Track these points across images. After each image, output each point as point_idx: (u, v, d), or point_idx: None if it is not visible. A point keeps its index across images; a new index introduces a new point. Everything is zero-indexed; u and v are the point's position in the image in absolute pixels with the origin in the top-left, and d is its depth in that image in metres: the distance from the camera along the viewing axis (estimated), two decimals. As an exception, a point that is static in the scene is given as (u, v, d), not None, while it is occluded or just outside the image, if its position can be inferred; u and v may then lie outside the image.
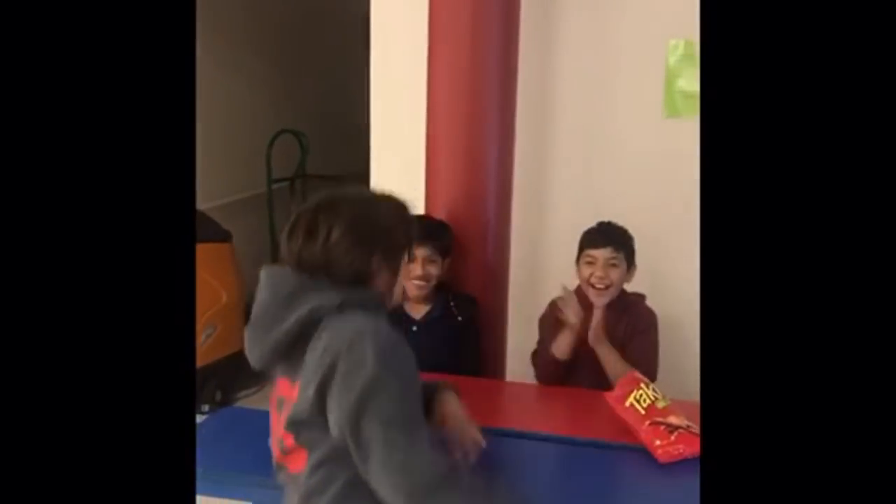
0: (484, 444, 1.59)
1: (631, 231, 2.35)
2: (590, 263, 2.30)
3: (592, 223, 2.38)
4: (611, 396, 1.95)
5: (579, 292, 2.34)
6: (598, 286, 2.28)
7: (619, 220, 2.38)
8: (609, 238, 2.30)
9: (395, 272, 1.47)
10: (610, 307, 2.31)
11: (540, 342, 2.40)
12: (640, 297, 2.40)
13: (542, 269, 2.82)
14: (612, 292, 2.30)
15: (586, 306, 2.29)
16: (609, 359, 2.22)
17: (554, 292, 2.37)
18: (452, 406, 1.63)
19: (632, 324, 2.32)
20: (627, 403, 1.89)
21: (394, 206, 1.50)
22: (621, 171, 2.86)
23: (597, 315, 2.25)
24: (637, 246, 2.35)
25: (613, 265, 2.28)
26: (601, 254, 2.28)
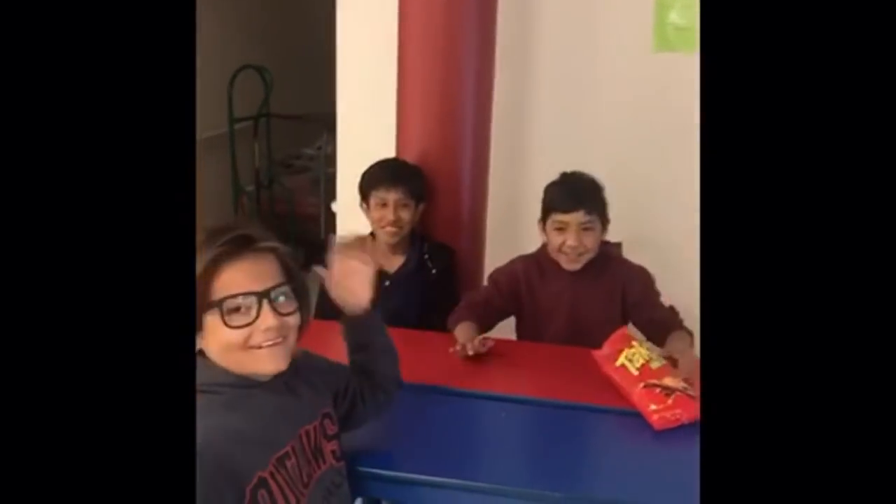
0: None
1: (619, 174, 2.13)
2: (560, 230, 2.05)
3: (569, 167, 2.14)
4: (599, 355, 1.82)
5: (544, 254, 2.17)
6: (572, 254, 2.07)
7: (607, 165, 2.15)
8: (579, 199, 2.02)
9: None
10: (583, 271, 2.11)
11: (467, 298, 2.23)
12: (615, 248, 2.23)
13: (521, 219, 2.66)
14: (587, 257, 2.09)
15: (555, 268, 2.14)
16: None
17: (534, 244, 2.22)
18: None
19: (619, 288, 2.15)
20: (618, 363, 1.76)
21: None
22: (607, 111, 2.69)
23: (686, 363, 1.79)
24: (626, 186, 2.14)
25: (587, 229, 2.04)
26: (572, 218, 2.02)
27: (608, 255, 2.17)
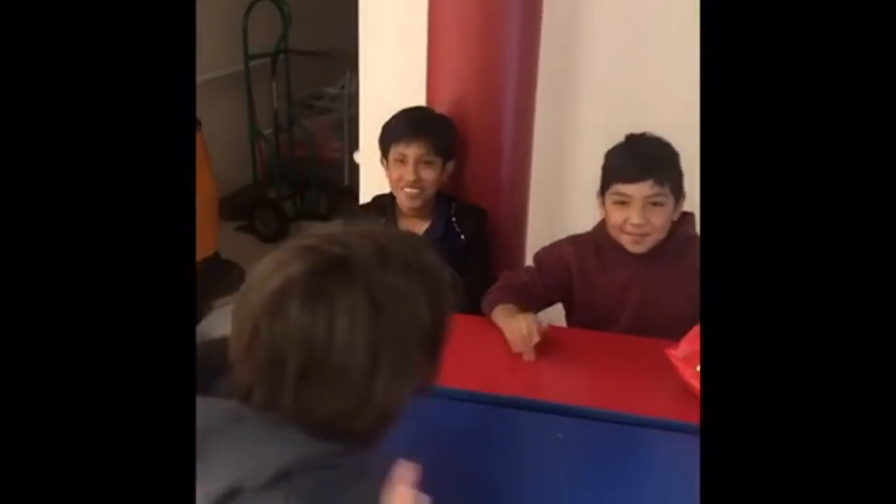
0: None
1: (678, 140, 1.74)
2: (622, 203, 1.71)
3: (629, 126, 1.78)
4: (675, 356, 1.50)
5: (603, 234, 1.82)
6: (636, 234, 1.73)
7: (665, 124, 1.74)
8: (648, 167, 1.67)
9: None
10: (657, 256, 1.77)
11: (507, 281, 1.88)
12: (689, 222, 1.84)
13: (567, 180, 2.31)
14: (656, 238, 1.74)
15: (618, 252, 1.79)
16: None
17: (583, 211, 1.88)
18: None
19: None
20: (699, 367, 1.44)
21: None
22: (665, 59, 2.30)
23: None
24: (687, 157, 1.76)
25: (656, 204, 1.70)
26: (638, 191, 1.67)
27: (687, 235, 1.81)
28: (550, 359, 1.61)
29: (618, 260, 1.80)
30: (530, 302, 1.79)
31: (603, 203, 1.79)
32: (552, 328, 1.70)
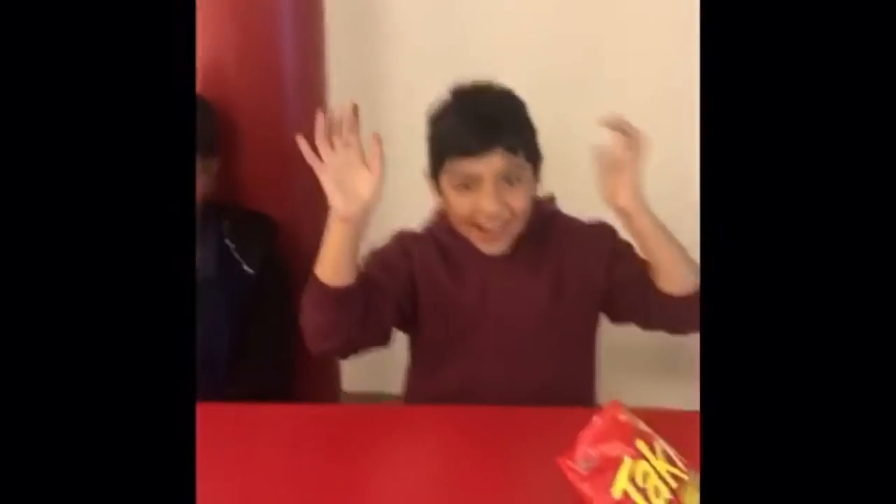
0: None
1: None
2: (465, 187, 1.19)
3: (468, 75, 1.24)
4: (571, 469, 0.89)
5: (444, 229, 1.28)
6: (491, 228, 1.21)
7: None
8: (492, 131, 1.16)
9: None
10: (518, 249, 1.26)
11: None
12: (550, 203, 1.33)
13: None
14: (517, 227, 1.23)
15: (467, 252, 1.27)
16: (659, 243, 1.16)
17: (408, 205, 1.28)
18: None
19: (581, 271, 1.27)
20: (617, 492, 0.85)
21: None
22: None
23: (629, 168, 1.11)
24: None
25: (513, 180, 1.19)
26: (485, 166, 1.16)
27: (549, 212, 1.32)
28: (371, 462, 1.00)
29: (468, 262, 1.27)
30: (380, 305, 1.20)
31: (437, 187, 1.23)
32: (376, 408, 1.11)
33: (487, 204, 1.16)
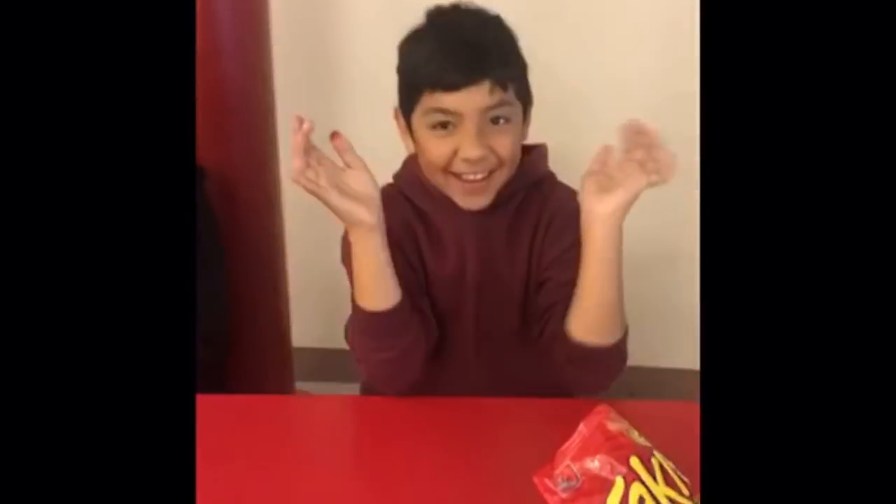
0: None
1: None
2: (442, 127, 1.01)
3: None
4: (548, 489, 0.76)
5: (415, 180, 1.12)
6: (473, 177, 1.04)
7: None
8: (479, 60, 0.98)
9: None
10: (498, 204, 1.09)
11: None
12: (541, 153, 1.16)
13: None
14: (502, 178, 1.06)
15: (442, 205, 1.11)
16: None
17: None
18: None
19: (556, 233, 1.10)
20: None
21: None
22: None
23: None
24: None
25: (499, 121, 1.01)
26: (469, 101, 0.99)
27: (539, 174, 1.15)
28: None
29: (444, 224, 1.11)
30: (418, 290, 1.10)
31: (408, 128, 1.07)
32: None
33: (469, 147, 0.99)
